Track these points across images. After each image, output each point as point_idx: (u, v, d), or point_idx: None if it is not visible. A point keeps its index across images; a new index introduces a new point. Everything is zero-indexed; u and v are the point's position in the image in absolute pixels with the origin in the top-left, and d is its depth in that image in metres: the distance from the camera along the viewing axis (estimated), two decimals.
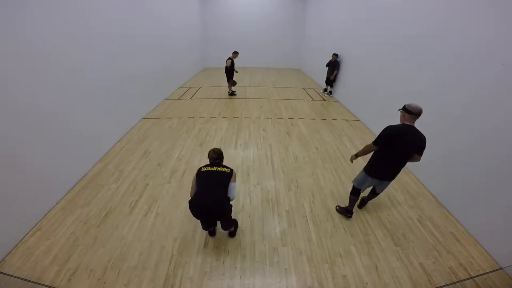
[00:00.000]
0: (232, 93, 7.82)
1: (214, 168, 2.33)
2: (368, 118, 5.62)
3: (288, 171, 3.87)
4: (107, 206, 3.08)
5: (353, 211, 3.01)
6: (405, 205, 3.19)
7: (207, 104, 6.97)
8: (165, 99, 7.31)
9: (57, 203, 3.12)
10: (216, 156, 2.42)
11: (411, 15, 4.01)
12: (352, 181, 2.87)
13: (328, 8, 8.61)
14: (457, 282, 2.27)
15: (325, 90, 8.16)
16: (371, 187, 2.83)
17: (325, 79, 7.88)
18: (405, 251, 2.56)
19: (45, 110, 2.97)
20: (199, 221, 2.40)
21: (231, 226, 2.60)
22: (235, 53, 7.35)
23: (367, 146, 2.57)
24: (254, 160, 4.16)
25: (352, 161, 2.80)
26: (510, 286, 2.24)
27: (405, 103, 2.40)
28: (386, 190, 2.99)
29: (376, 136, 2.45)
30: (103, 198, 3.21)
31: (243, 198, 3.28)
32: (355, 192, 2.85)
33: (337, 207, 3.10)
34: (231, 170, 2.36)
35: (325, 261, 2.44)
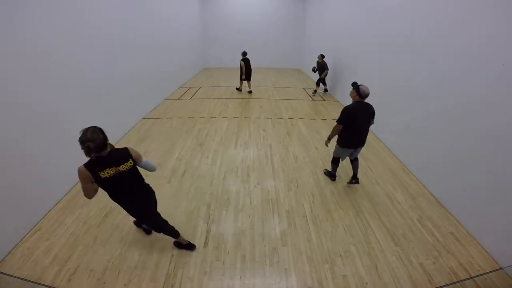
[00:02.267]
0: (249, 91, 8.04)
1: (115, 170, 1.75)
2: None
3: (288, 171, 3.87)
4: (107, 206, 3.08)
5: (354, 211, 3.06)
6: (405, 205, 3.19)
7: (207, 104, 6.97)
8: (165, 99, 7.31)
9: (57, 203, 3.12)
10: (99, 144, 1.60)
11: (411, 15, 4.01)
12: (333, 154, 3.44)
13: (328, 8, 8.61)
14: (457, 282, 2.27)
15: (315, 91, 8.15)
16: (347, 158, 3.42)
17: (317, 80, 7.98)
18: (405, 251, 2.56)
19: (44, 110, 2.97)
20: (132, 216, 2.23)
21: (161, 228, 2.27)
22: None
23: (334, 128, 3.05)
24: (254, 160, 4.16)
25: (327, 145, 3.34)
26: (510, 286, 2.24)
27: (358, 84, 2.94)
28: (386, 190, 3.45)
29: (342, 119, 2.94)
30: (103, 198, 3.19)
31: (243, 198, 3.28)
32: (335, 161, 3.48)
33: (325, 170, 3.77)
34: (130, 155, 1.85)
35: (325, 261, 2.44)
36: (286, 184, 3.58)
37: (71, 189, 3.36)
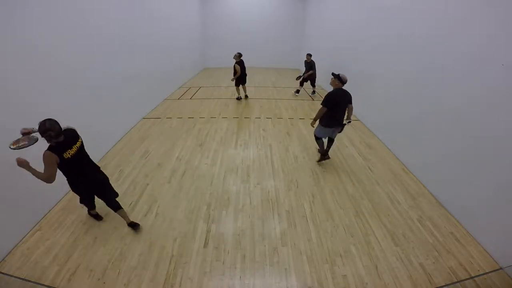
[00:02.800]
0: (244, 97, 7.43)
1: (75, 149, 2.05)
2: (368, 118, 5.62)
3: (288, 171, 3.87)
4: (107, 206, 3.08)
5: (354, 211, 3.07)
6: (405, 205, 3.19)
7: (207, 104, 6.97)
8: (165, 99, 7.31)
9: (57, 203, 3.12)
10: (58, 132, 1.92)
11: (411, 15, 4.00)
12: (314, 133, 3.91)
13: (328, 8, 8.60)
14: (457, 282, 2.27)
15: (298, 91, 7.95)
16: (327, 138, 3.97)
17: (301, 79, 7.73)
18: (405, 251, 2.56)
19: (44, 110, 2.95)
20: (86, 198, 2.57)
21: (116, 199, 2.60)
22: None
23: (320, 111, 3.51)
24: (254, 160, 4.16)
25: (313, 126, 3.81)
26: (510, 286, 2.24)
27: (340, 74, 3.47)
28: (386, 190, 3.48)
29: (326, 103, 3.44)
30: None
31: (243, 198, 3.28)
32: (319, 140, 3.96)
33: (318, 149, 4.28)
34: (77, 133, 2.18)
35: (325, 261, 2.44)
36: (286, 184, 3.58)
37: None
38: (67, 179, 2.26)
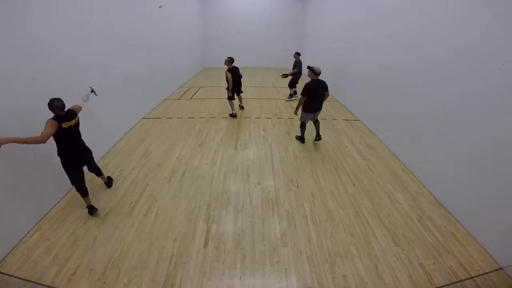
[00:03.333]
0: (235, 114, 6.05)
1: (71, 123, 2.60)
2: (368, 118, 5.62)
3: (288, 171, 3.87)
4: (107, 206, 3.08)
5: (354, 211, 3.07)
6: (405, 205, 3.19)
7: (207, 104, 6.97)
8: (165, 99, 7.31)
9: (57, 203, 3.12)
10: (62, 106, 2.50)
11: (411, 15, 4.00)
12: (300, 119, 4.57)
13: (328, 8, 8.60)
14: (457, 282, 2.27)
15: (291, 95, 7.41)
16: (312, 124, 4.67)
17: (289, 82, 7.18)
18: (405, 251, 2.56)
19: (44, 110, 2.97)
20: (74, 175, 2.82)
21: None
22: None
23: (301, 100, 4.18)
24: (254, 160, 4.16)
25: (296, 114, 4.45)
26: (510, 286, 2.24)
27: (313, 66, 4.07)
28: (386, 190, 3.50)
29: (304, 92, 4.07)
30: (103, 198, 3.21)
31: (243, 198, 3.29)
32: (302, 125, 4.61)
33: (296, 136, 4.92)
34: (76, 113, 2.73)
35: (325, 261, 2.44)
36: (286, 184, 3.58)
37: (71, 189, 3.35)
38: (57, 149, 2.65)
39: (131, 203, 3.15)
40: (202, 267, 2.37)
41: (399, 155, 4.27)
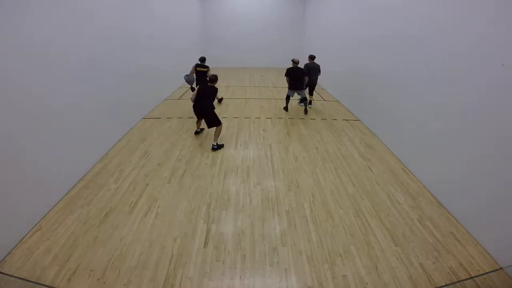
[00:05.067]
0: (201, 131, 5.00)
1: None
2: (368, 118, 5.62)
3: (288, 171, 3.87)
4: (107, 206, 3.08)
5: (354, 211, 3.08)
6: (405, 205, 3.19)
7: None
8: (165, 99, 7.31)
9: (57, 203, 3.12)
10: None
11: (411, 15, 4.00)
12: (287, 94, 6.15)
13: (328, 8, 8.61)
14: (457, 282, 2.27)
15: (310, 102, 6.75)
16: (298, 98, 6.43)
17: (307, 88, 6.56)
18: (405, 251, 2.56)
19: (44, 110, 2.97)
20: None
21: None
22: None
23: (286, 79, 5.92)
24: (254, 160, 4.16)
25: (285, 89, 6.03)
26: (510, 286, 2.24)
27: (293, 58, 5.95)
28: (386, 190, 3.50)
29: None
30: (103, 198, 3.21)
31: (243, 198, 3.28)
32: (287, 97, 6.25)
33: (283, 107, 6.51)
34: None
35: (325, 261, 2.44)
36: (286, 184, 3.58)
37: (71, 189, 3.35)
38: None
39: (131, 203, 3.14)
40: (202, 267, 2.37)
41: (399, 155, 4.27)
